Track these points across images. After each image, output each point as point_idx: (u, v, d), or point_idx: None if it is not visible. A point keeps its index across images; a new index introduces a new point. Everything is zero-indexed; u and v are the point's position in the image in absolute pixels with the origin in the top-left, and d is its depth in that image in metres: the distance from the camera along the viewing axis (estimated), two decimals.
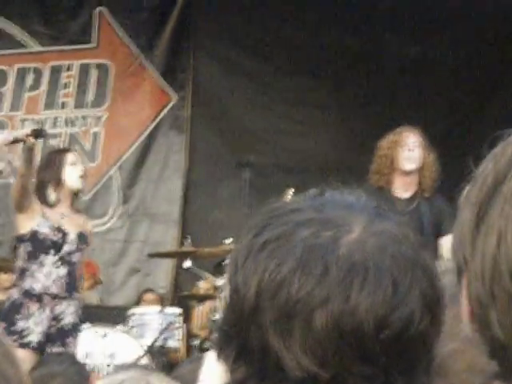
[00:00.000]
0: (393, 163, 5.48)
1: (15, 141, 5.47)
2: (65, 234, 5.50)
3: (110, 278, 8.54)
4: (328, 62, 8.80)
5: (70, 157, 5.68)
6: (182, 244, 7.79)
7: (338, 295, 0.98)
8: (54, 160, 5.64)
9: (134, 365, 4.97)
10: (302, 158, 8.79)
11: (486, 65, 8.53)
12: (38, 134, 5.45)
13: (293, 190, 6.22)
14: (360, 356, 0.98)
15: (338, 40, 8.72)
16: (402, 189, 5.51)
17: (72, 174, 5.58)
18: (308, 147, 8.79)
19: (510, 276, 0.80)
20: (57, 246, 5.46)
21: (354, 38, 8.68)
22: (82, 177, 5.63)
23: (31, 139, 5.32)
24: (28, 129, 5.62)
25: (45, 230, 5.45)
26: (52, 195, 5.54)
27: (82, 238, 5.60)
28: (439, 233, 5.38)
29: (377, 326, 0.98)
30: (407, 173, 5.49)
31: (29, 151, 5.39)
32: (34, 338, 5.30)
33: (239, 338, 1.03)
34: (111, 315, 6.94)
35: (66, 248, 5.48)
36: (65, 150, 6.09)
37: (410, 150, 5.47)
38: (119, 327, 6.52)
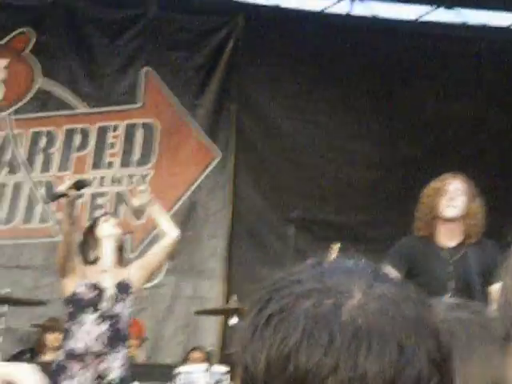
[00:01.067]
0: (433, 211, 5.40)
1: (59, 196, 5.41)
2: (101, 291, 5.43)
3: (157, 336, 8.56)
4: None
5: (104, 217, 5.81)
6: (228, 301, 7.79)
7: (346, 363, 0.99)
8: (92, 222, 5.76)
9: None
10: (348, 213, 8.80)
11: None
12: (80, 185, 5.38)
13: (339, 244, 6.21)
14: None
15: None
16: (447, 237, 5.44)
17: (105, 226, 5.62)
18: (354, 202, 8.82)
19: None
20: (93, 304, 5.38)
21: None
22: (115, 226, 5.66)
23: (73, 191, 5.27)
24: (70, 181, 5.49)
25: (81, 289, 5.40)
26: (91, 253, 5.56)
27: (122, 287, 5.50)
28: (489, 280, 5.27)
29: None
30: (449, 220, 5.43)
31: (70, 206, 5.34)
32: None
33: None
34: (158, 373, 6.92)
35: (103, 305, 5.40)
36: (102, 215, 6.13)
37: (451, 198, 5.41)
38: None
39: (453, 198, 5.38)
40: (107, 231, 5.60)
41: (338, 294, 1.04)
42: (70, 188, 5.29)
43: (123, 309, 5.47)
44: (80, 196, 8.62)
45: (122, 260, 5.70)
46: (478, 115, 8.90)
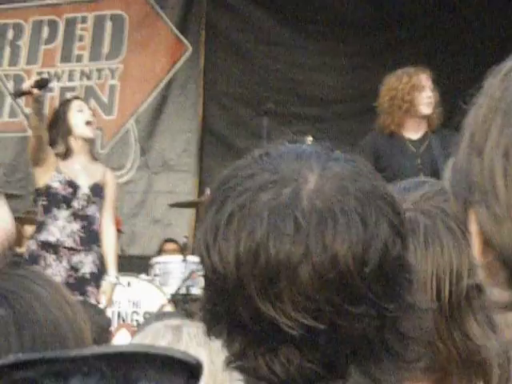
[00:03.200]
0: (408, 106, 5.34)
1: (22, 93, 5.42)
2: (76, 188, 5.40)
3: (131, 229, 8.61)
4: (347, 10, 8.74)
5: (75, 103, 5.56)
6: (201, 194, 7.83)
7: (315, 247, 1.00)
8: (60, 110, 5.56)
9: (168, 314, 5.00)
10: (319, 105, 8.78)
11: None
12: (41, 83, 5.31)
13: (311, 138, 6.19)
14: (348, 299, 1.01)
15: None
16: (413, 131, 5.43)
17: (78, 119, 5.44)
18: (326, 94, 8.79)
19: None
20: (67, 201, 5.37)
21: None
22: (89, 123, 5.48)
23: (36, 90, 5.20)
24: (31, 80, 5.42)
25: (56, 184, 5.37)
26: (62, 146, 5.44)
27: (96, 190, 5.48)
28: None
29: (357, 266, 1.00)
30: (424, 117, 5.41)
31: (36, 102, 5.28)
32: None
33: (228, 313, 1.04)
34: (134, 265, 7.00)
35: (75, 203, 5.39)
36: (71, 99, 5.92)
37: (428, 95, 5.37)
38: (143, 276, 6.59)
39: (429, 94, 5.35)
40: (81, 122, 5.46)
41: (293, 182, 1.03)
42: (33, 86, 5.22)
43: (96, 211, 5.46)
44: (48, 90, 8.53)
45: (94, 154, 5.64)
46: None
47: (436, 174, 5.19)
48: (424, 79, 5.36)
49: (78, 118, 5.46)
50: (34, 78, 5.92)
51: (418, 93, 5.33)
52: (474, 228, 0.83)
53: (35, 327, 1.12)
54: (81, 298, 5.29)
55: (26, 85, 5.33)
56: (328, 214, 1.02)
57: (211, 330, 1.07)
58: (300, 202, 1.02)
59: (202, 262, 1.05)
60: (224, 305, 1.04)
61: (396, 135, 5.38)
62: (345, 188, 1.04)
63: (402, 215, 1.07)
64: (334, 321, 1.01)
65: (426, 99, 5.35)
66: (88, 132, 5.48)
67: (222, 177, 1.08)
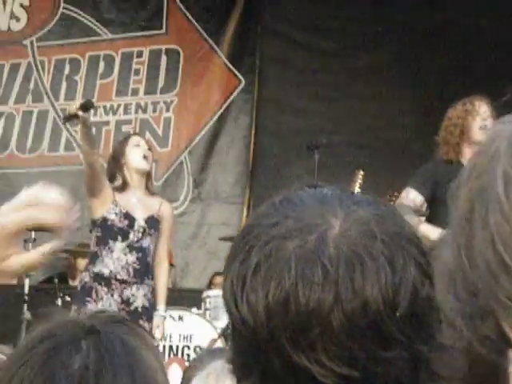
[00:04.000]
0: (463, 133, 5.33)
1: (70, 117, 5.43)
2: (132, 221, 5.46)
3: (184, 261, 8.65)
4: (399, 38, 8.74)
5: (133, 139, 5.66)
6: None
7: (345, 293, 1.00)
8: (118, 145, 5.68)
9: (219, 349, 4.98)
10: (371, 136, 8.76)
11: None
12: (86, 105, 5.37)
13: (362, 172, 6.18)
14: (381, 344, 1.00)
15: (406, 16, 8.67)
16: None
17: (135, 154, 5.53)
18: (378, 125, 8.77)
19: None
20: (123, 233, 5.42)
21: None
22: (146, 157, 5.55)
23: (81, 112, 5.26)
24: (77, 103, 5.48)
25: (112, 216, 5.43)
26: (119, 179, 5.52)
27: (152, 222, 5.53)
28: None
29: (388, 310, 1.00)
30: (478, 143, 5.35)
31: (84, 126, 5.35)
32: None
33: (260, 365, 1.03)
34: (185, 298, 7.01)
35: (131, 235, 5.44)
36: (130, 135, 6.03)
37: (484, 121, 5.32)
38: (194, 310, 6.60)
39: (485, 120, 5.30)
40: (138, 157, 5.54)
41: (318, 228, 1.03)
42: (78, 109, 5.28)
43: (150, 243, 5.50)
44: (105, 123, 8.68)
45: (150, 188, 5.68)
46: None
47: None
48: (478, 105, 5.32)
49: (135, 152, 5.55)
50: (79, 101, 6.00)
51: (472, 118, 5.28)
52: None
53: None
54: None
55: (72, 108, 5.38)
56: (355, 259, 1.01)
57: (242, 383, 1.06)
58: (326, 249, 1.01)
59: (230, 313, 1.04)
60: (255, 356, 1.03)
61: (455, 163, 5.35)
62: (370, 231, 1.03)
63: (428, 255, 1.06)
64: (368, 367, 1.00)
65: (481, 123, 5.30)
66: (144, 165, 5.55)
67: (245, 226, 1.07)
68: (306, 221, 1.04)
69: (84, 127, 5.36)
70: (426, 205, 5.24)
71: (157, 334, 5.49)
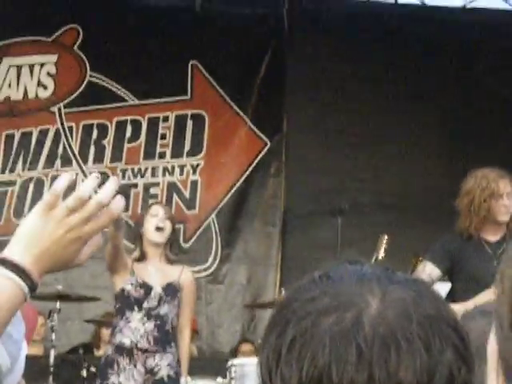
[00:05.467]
0: (487, 213, 5.26)
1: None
2: (148, 289, 5.48)
3: (214, 325, 8.63)
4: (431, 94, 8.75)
5: (153, 209, 5.72)
6: (280, 291, 7.80)
7: (379, 375, 0.99)
8: (141, 214, 5.75)
9: None
10: (397, 198, 8.74)
11: None
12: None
13: (386, 236, 6.16)
14: None
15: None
16: (492, 234, 5.37)
17: (149, 224, 5.58)
18: (403, 186, 8.76)
19: None
20: (139, 303, 5.45)
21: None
22: (159, 229, 5.57)
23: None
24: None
25: (128, 287, 5.47)
26: (137, 249, 5.59)
27: (170, 289, 5.54)
28: None
29: None
30: (502, 223, 5.35)
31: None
32: None
33: None
34: (210, 366, 6.96)
35: (146, 304, 5.45)
36: (151, 204, 6.09)
37: (505, 204, 5.28)
38: (219, 379, 6.53)
39: (507, 203, 5.27)
40: (151, 228, 5.58)
41: (355, 307, 1.03)
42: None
43: (169, 311, 5.51)
44: (133, 186, 8.73)
45: (170, 256, 5.70)
46: None
47: None
48: (503, 186, 5.29)
49: (150, 222, 5.59)
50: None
51: (495, 201, 5.26)
52: None
53: None
54: None
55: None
56: (391, 340, 1.00)
57: None
58: (362, 329, 1.01)
59: None
60: None
61: (474, 237, 5.32)
62: (407, 313, 1.02)
63: (467, 339, 1.05)
64: None
65: (503, 208, 5.27)
66: (156, 237, 5.59)
67: (284, 299, 1.08)
68: (343, 298, 1.04)
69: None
70: (444, 277, 5.20)
71: None
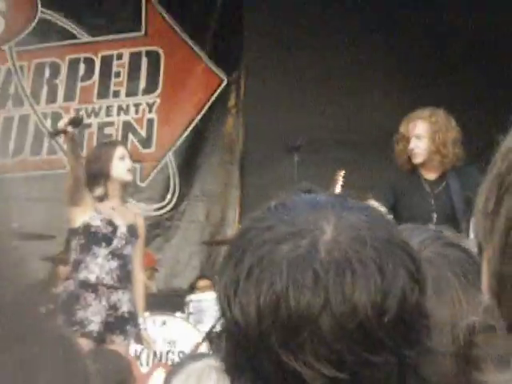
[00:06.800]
0: (406, 155, 5.36)
1: (58, 132, 5.53)
2: (115, 228, 5.51)
3: (172, 262, 8.65)
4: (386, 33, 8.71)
5: (118, 151, 5.67)
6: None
7: (335, 298, 1.01)
8: (102, 154, 5.65)
9: (202, 354, 4.97)
10: (354, 134, 8.75)
11: None
12: (75, 121, 5.42)
13: (343, 172, 6.16)
14: (369, 348, 1.02)
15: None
16: (427, 171, 5.41)
17: (120, 168, 5.58)
18: (359, 123, 8.77)
19: None
20: (107, 240, 5.47)
21: None
22: (130, 170, 5.63)
23: (70, 128, 5.31)
24: (66, 118, 5.55)
25: (97, 222, 5.46)
26: (100, 189, 5.55)
27: (132, 230, 5.58)
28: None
29: (376, 315, 1.02)
30: (420, 164, 5.40)
31: (71, 141, 5.41)
32: (95, 327, 5.31)
33: (250, 365, 1.05)
34: (169, 302, 7.01)
35: (116, 242, 5.49)
36: (114, 144, 6.04)
37: (412, 148, 5.32)
38: (178, 314, 6.59)
39: (414, 146, 5.32)
40: (123, 170, 5.59)
41: (310, 233, 1.05)
42: (67, 125, 5.33)
43: (131, 251, 5.55)
44: (86, 126, 8.63)
45: (124, 198, 5.73)
46: None
47: (452, 215, 5.16)
48: (410, 129, 5.32)
49: (121, 166, 5.59)
50: (68, 116, 6.00)
51: (406, 143, 5.35)
52: (484, 266, 0.87)
53: None
54: (120, 337, 5.40)
55: (61, 123, 5.43)
56: (346, 264, 1.02)
57: (234, 382, 1.08)
58: (318, 254, 1.03)
59: (223, 315, 1.07)
60: (246, 357, 1.05)
61: (414, 174, 5.37)
62: (361, 238, 1.05)
63: (418, 261, 1.08)
64: (356, 370, 1.02)
65: (412, 151, 5.35)
66: (129, 178, 5.66)
67: (240, 229, 1.10)
68: (298, 226, 1.06)
69: (71, 142, 5.41)
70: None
71: (143, 341, 5.62)
